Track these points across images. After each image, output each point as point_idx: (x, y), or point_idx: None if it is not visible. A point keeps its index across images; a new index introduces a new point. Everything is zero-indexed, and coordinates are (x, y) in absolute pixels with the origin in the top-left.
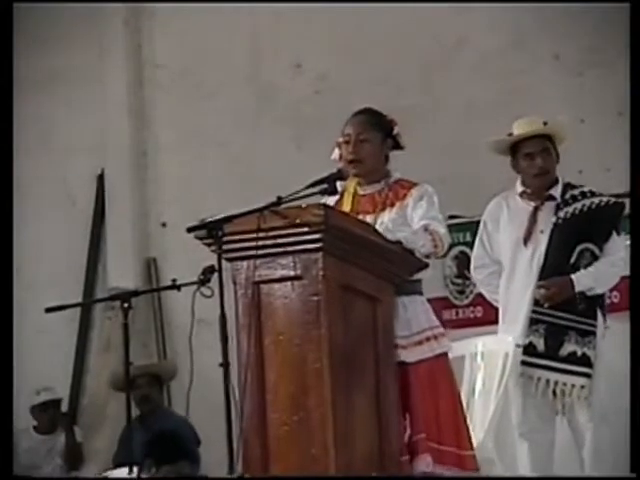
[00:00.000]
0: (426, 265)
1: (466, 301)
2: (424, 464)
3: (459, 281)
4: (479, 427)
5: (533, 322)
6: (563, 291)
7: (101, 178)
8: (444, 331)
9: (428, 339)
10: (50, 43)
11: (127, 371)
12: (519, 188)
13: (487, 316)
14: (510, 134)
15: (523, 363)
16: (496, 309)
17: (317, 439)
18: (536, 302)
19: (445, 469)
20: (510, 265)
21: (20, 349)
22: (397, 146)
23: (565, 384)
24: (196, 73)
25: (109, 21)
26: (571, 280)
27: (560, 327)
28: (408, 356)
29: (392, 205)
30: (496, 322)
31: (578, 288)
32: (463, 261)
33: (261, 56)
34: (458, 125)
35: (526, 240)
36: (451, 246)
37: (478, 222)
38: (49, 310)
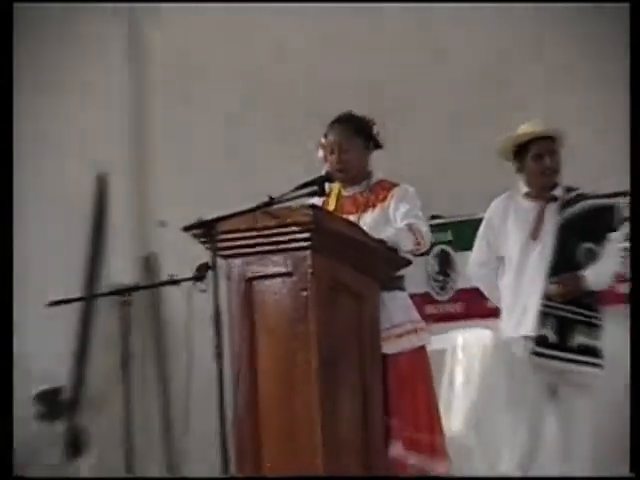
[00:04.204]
0: (409, 262)
1: (446, 297)
2: (395, 450)
3: (440, 278)
4: (460, 417)
5: (544, 315)
6: (577, 288)
7: (100, 177)
8: (425, 325)
9: (408, 332)
10: (50, 43)
11: (127, 364)
12: (523, 189)
13: (466, 311)
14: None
15: (536, 354)
16: (479, 304)
17: (305, 435)
18: (546, 296)
19: (417, 456)
20: (519, 261)
21: (22, 342)
22: (377, 145)
23: (579, 373)
24: (194, 73)
25: (108, 20)
26: (584, 277)
27: (569, 320)
28: (388, 348)
29: (374, 206)
30: (475, 317)
31: (589, 285)
32: (444, 259)
33: (254, 53)
34: (442, 126)
35: (535, 237)
36: (433, 245)
37: (459, 222)
38: (52, 304)
